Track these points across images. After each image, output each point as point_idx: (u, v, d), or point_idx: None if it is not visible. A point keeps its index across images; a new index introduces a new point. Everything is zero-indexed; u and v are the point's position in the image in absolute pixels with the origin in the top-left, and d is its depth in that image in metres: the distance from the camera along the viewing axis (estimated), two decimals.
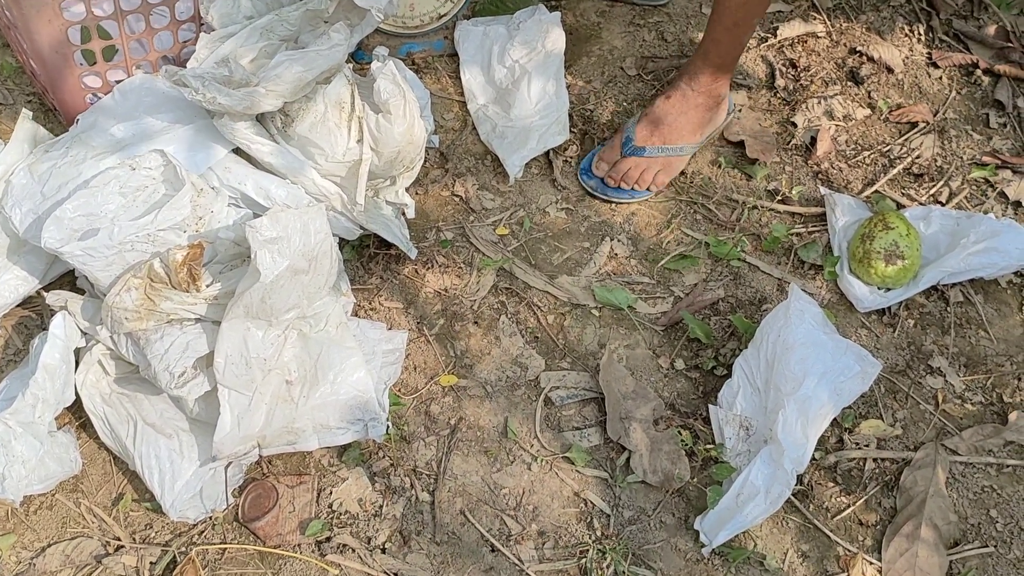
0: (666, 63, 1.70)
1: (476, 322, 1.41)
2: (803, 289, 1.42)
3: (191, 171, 1.25)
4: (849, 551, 1.25)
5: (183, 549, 1.18)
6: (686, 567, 1.23)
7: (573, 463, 1.30)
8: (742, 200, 1.55)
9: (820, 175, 1.59)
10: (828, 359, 1.27)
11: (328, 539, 1.21)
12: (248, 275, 1.14)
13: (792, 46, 1.72)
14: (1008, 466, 1.32)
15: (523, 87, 1.58)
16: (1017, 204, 1.56)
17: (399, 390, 1.34)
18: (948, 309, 1.46)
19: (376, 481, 1.26)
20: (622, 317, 1.43)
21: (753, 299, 1.46)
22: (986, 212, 1.54)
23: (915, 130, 1.64)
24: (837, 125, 1.63)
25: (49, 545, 1.18)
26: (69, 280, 1.35)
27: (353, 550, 1.20)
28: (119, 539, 1.19)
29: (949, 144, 1.62)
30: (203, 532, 1.20)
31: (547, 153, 1.57)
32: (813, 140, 1.61)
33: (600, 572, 1.20)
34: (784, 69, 1.70)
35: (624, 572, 1.21)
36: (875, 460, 1.32)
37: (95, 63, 1.37)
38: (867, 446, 1.32)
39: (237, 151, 1.32)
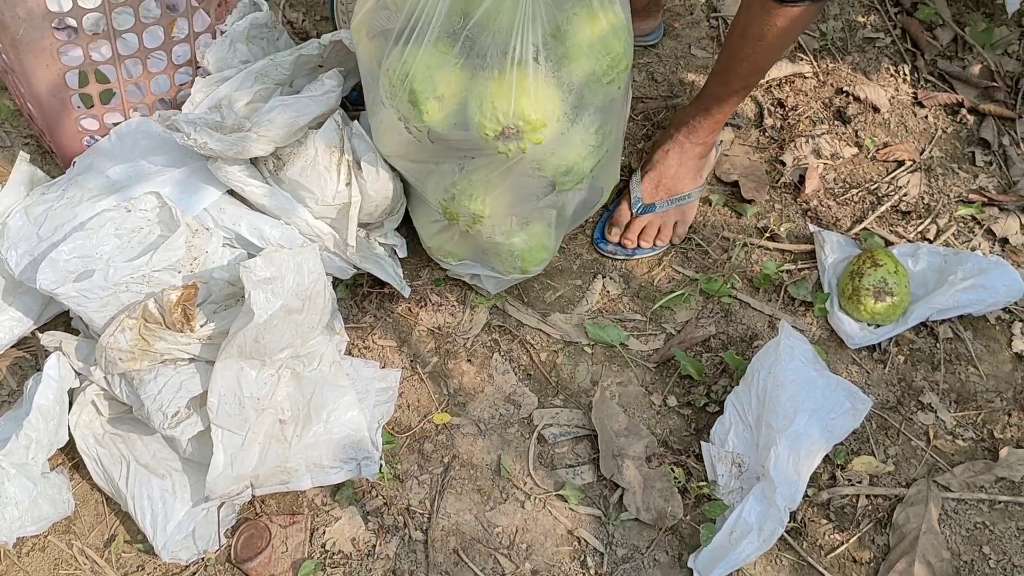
0: (656, 103, 1.72)
1: (469, 360, 1.42)
2: (793, 326, 1.43)
3: (186, 212, 1.26)
4: None
5: None
6: None
7: (566, 501, 1.30)
8: (732, 237, 1.57)
9: (809, 212, 1.60)
10: (819, 396, 1.28)
11: None
12: (242, 315, 1.15)
13: (780, 86, 1.75)
14: (1000, 502, 1.33)
15: None
16: (1004, 241, 1.58)
17: (392, 428, 1.34)
18: (938, 345, 1.47)
19: (369, 520, 1.26)
20: (614, 354, 1.44)
21: (744, 336, 1.47)
22: (973, 249, 1.56)
23: (902, 168, 1.66)
24: (825, 163, 1.65)
25: None
26: (64, 320, 1.36)
27: None
28: None
29: (936, 182, 1.65)
30: (195, 573, 1.20)
31: None
32: (802, 178, 1.63)
33: None
34: (772, 109, 1.73)
35: None
36: (868, 497, 1.32)
37: (92, 106, 1.39)
38: (860, 483, 1.33)
39: (231, 192, 1.33)
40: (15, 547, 1.20)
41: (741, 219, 1.59)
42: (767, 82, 1.75)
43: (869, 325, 1.46)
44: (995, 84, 1.75)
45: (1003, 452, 1.36)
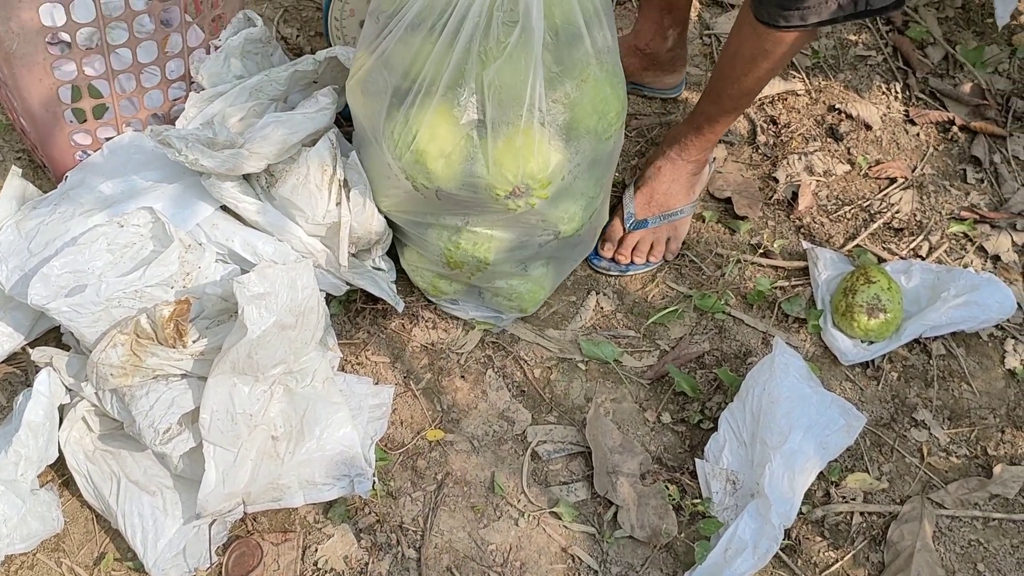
0: (649, 120, 1.73)
1: (463, 376, 1.42)
2: (787, 342, 1.43)
3: (179, 227, 1.25)
4: None
5: None
6: None
7: (560, 518, 1.29)
8: (726, 254, 1.57)
9: (802, 229, 1.61)
10: (813, 413, 1.28)
11: None
12: (235, 331, 1.14)
13: (772, 104, 1.76)
14: (994, 519, 1.33)
15: None
16: (996, 258, 1.59)
17: (385, 445, 1.33)
18: (931, 362, 1.47)
19: (362, 538, 1.25)
20: (608, 371, 1.44)
21: (738, 352, 1.47)
22: (966, 266, 1.56)
23: (894, 185, 1.66)
24: (818, 180, 1.66)
25: None
26: (55, 336, 1.35)
27: None
28: None
29: (928, 199, 1.65)
30: None
31: None
32: (795, 195, 1.63)
33: None
34: (765, 126, 1.73)
35: None
36: (862, 514, 1.32)
37: (85, 120, 1.39)
38: (854, 500, 1.32)
39: (224, 208, 1.33)
40: (3, 565, 1.18)
41: (734, 235, 1.60)
42: (760, 99, 1.76)
43: (863, 342, 1.46)
44: (986, 102, 1.76)
45: (997, 469, 1.36)
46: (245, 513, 1.21)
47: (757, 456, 1.27)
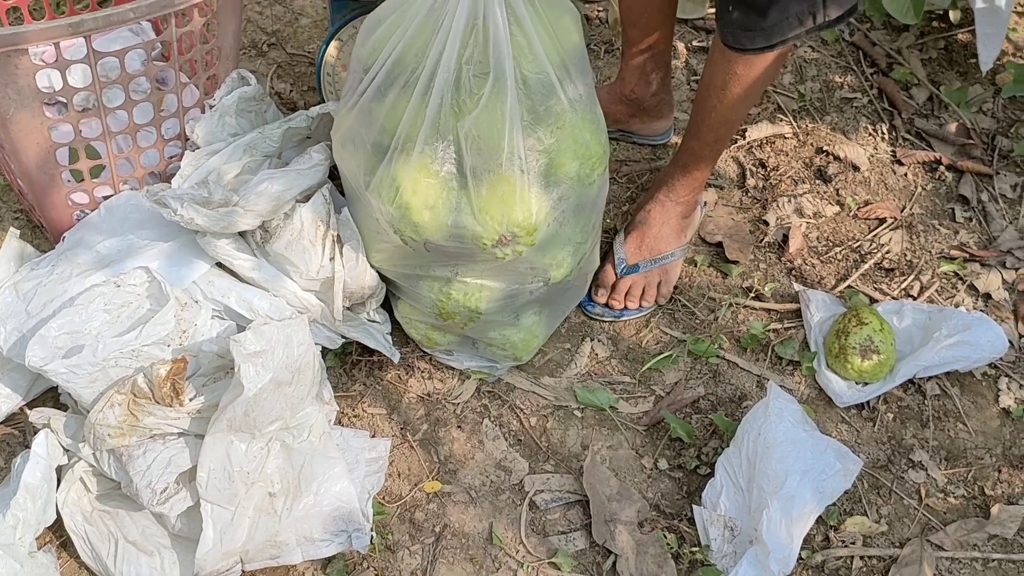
0: (639, 166, 1.75)
1: (459, 426, 1.42)
2: (782, 385, 1.44)
3: (175, 286, 1.27)
4: None
5: None
6: None
7: (559, 568, 1.29)
8: (718, 298, 1.58)
9: (793, 271, 1.62)
10: (809, 457, 1.28)
11: None
12: (231, 388, 1.15)
13: (761, 147, 1.78)
14: (993, 560, 1.32)
15: None
16: (987, 296, 1.60)
17: (383, 498, 1.33)
18: (926, 402, 1.48)
19: None
20: (604, 418, 1.44)
21: (733, 396, 1.47)
22: (957, 305, 1.58)
23: (884, 226, 1.68)
24: (808, 222, 1.68)
25: None
26: (52, 395, 1.36)
27: None
28: None
29: (917, 239, 1.67)
30: None
31: None
32: (785, 237, 1.65)
33: None
34: (754, 169, 1.75)
35: None
36: (862, 558, 1.32)
37: (82, 180, 1.40)
38: (853, 544, 1.32)
39: (220, 264, 1.34)
40: None
41: (727, 279, 1.61)
42: (748, 143, 1.78)
43: (857, 383, 1.47)
44: (971, 141, 1.79)
45: (994, 509, 1.36)
46: (243, 572, 1.20)
47: (754, 502, 1.27)
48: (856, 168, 1.75)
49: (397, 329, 1.48)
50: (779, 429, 1.29)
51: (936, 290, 1.60)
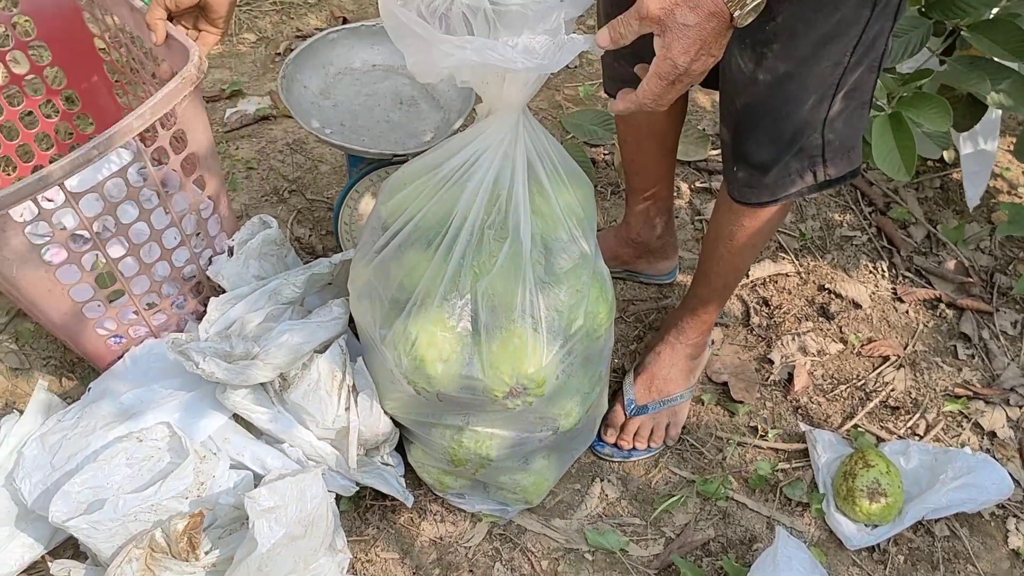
0: (647, 306, 1.80)
1: (471, 571, 1.43)
2: (791, 527, 1.45)
3: (194, 438, 1.31)
4: None
5: None
6: None
7: None
8: (726, 437, 1.61)
9: (799, 410, 1.65)
10: None
11: None
12: (245, 543, 1.17)
13: (764, 285, 1.83)
14: None
15: None
16: (992, 435, 1.61)
17: None
18: (935, 544, 1.48)
19: None
20: (615, 561, 1.45)
21: (743, 538, 1.48)
22: (963, 444, 1.59)
23: (887, 363, 1.71)
24: (812, 360, 1.71)
25: None
26: (73, 543, 1.38)
27: None
28: None
29: (921, 376, 1.70)
30: None
31: None
32: (790, 376, 1.68)
33: None
34: (758, 307, 1.80)
35: None
36: None
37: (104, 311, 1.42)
38: None
39: (237, 415, 1.39)
40: None
41: (733, 418, 1.64)
42: (751, 281, 1.83)
43: (866, 526, 1.47)
44: (970, 279, 1.83)
45: None
46: None
47: None
48: (858, 305, 1.80)
49: (410, 471, 1.51)
50: None
51: (942, 428, 1.62)
